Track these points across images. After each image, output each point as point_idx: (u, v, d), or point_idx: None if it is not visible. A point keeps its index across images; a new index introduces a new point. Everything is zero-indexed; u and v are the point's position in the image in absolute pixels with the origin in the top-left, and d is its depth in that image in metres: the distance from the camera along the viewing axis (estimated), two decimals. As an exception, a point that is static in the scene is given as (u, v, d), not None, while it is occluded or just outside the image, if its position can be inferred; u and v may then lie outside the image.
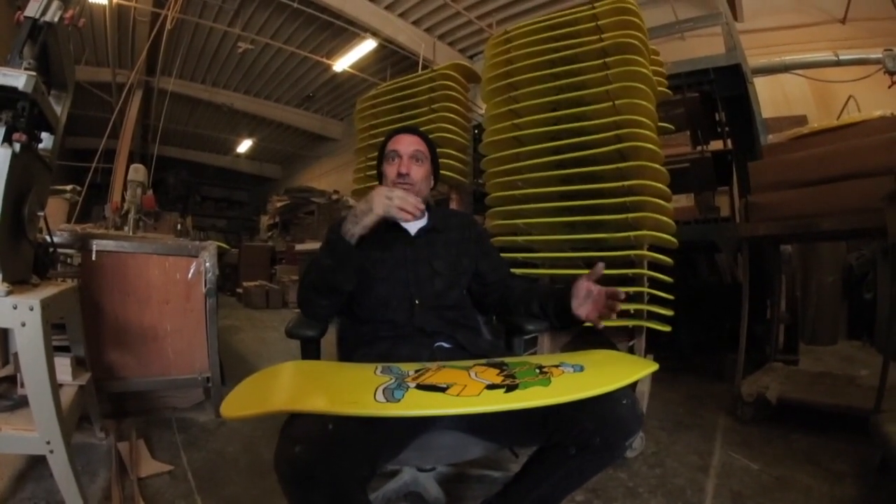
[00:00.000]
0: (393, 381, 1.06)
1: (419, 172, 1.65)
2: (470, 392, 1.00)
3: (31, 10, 1.63)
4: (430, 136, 3.25)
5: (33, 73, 1.46)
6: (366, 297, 1.58)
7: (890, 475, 1.91)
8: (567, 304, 1.43)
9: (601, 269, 1.40)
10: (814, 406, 2.44)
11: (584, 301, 1.41)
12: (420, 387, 1.03)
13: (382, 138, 1.76)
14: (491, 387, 1.03)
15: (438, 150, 3.22)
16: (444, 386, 1.03)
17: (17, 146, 1.46)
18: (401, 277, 1.59)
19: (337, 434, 0.99)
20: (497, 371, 1.13)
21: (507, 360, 1.28)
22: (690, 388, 3.32)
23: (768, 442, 2.39)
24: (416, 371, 1.14)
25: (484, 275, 1.74)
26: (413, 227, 1.68)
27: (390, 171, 1.64)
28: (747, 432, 2.52)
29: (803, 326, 4.36)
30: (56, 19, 1.66)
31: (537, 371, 1.12)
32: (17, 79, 1.42)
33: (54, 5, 1.66)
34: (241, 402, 1.04)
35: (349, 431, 1.00)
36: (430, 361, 1.30)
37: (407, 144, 1.65)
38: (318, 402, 1.04)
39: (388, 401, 0.97)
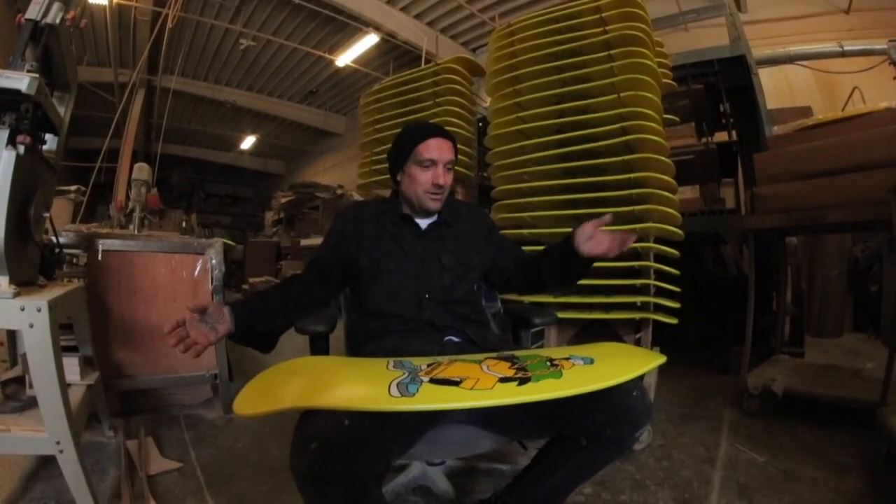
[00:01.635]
0: (406, 375, 1.06)
1: (450, 181, 1.61)
2: (483, 385, 1.00)
3: (33, 13, 1.63)
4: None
5: (36, 76, 1.46)
6: (375, 288, 1.58)
7: (895, 468, 1.91)
8: (570, 248, 1.43)
9: (609, 219, 1.41)
10: (819, 399, 2.44)
11: (588, 241, 1.41)
12: (433, 381, 1.03)
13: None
14: (504, 380, 1.03)
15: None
16: (458, 379, 1.03)
17: (22, 148, 1.46)
18: (409, 270, 1.59)
19: (353, 430, 0.99)
20: (508, 364, 1.13)
21: (517, 353, 1.28)
22: (696, 380, 3.32)
23: (774, 434, 2.39)
24: (429, 365, 1.14)
25: (505, 264, 1.73)
26: (424, 221, 1.67)
27: (424, 178, 1.57)
28: (753, 425, 2.52)
29: (809, 319, 4.35)
30: (57, 21, 1.66)
31: (548, 364, 1.12)
32: (20, 81, 1.42)
33: (55, 7, 1.66)
34: (253, 400, 1.04)
35: (365, 427, 1.00)
36: (441, 355, 1.30)
37: (442, 152, 1.58)
38: (333, 398, 1.04)
39: (402, 395, 0.97)
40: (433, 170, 1.57)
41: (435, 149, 1.57)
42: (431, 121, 3.22)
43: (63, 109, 1.91)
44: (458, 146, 3.16)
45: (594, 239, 1.40)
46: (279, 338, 1.44)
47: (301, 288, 1.53)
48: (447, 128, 3.09)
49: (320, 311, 1.58)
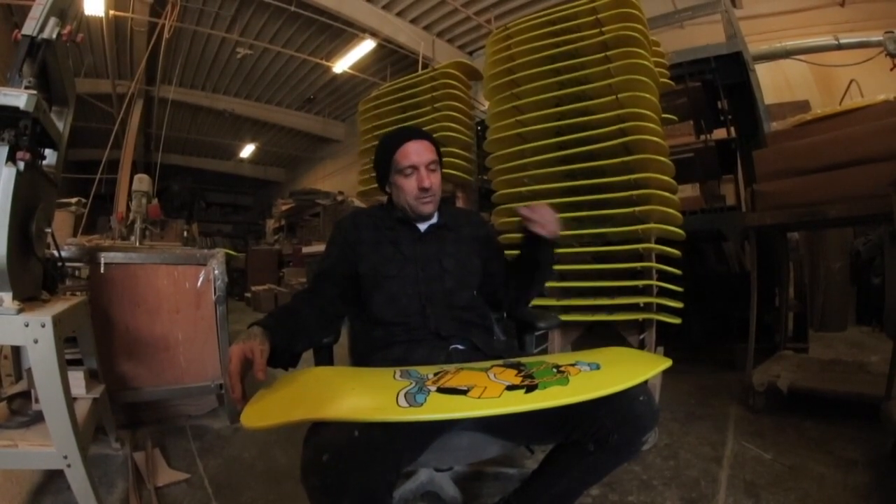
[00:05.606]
0: (413, 385, 1.06)
1: (437, 181, 1.60)
2: (490, 394, 1.00)
3: (29, 29, 1.63)
4: (434, 135, 3.26)
5: (34, 92, 1.47)
6: (376, 295, 1.56)
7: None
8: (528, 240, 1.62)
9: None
10: (825, 394, 2.44)
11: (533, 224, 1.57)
12: (441, 390, 1.03)
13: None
14: (511, 388, 1.02)
15: (442, 149, 3.24)
16: (465, 388, 1.02)
17: (22, 165, 1.46)
18: (410, 275, 1.57)
19: (363, 441, 0.99)
20: (515, 371, 1.13)
21: (523, 360, 1.27)
22: (701, 378, 3.31)
23: (780, 431, 2.38)
24: (436, 374, 1.13)
25: (496, 275, 1.72)
26: (423, 224, 1.66)
27: (409, 185, 1.57)
28: (759, 422, 2.52)
29: (812, 313, 4.34)
30: (54, 36, 1.66)
31: (555, 370, 1.11)
32: (18, 98, 1.42)
33: (51, 22, 1.66)
34: (262, 412, 1.03)
35: (375, 437, 1.00)
36: (447, 363, 1.30)
37: (420, 155, 1.57)
38: (342, 410, 1.04)
39: (410, 405, 0.97)
40: (416, 175, 1.56)
41: (413, 153, 1.57)
42: (430, 126, 3.23)
43: (62, 124, 1.92)
44: (458, 151, 3.23)
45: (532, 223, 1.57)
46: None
47: (324, 302, 1.50)
48: (446, 133, 3.17)
49: (340, 324, 1.58)
